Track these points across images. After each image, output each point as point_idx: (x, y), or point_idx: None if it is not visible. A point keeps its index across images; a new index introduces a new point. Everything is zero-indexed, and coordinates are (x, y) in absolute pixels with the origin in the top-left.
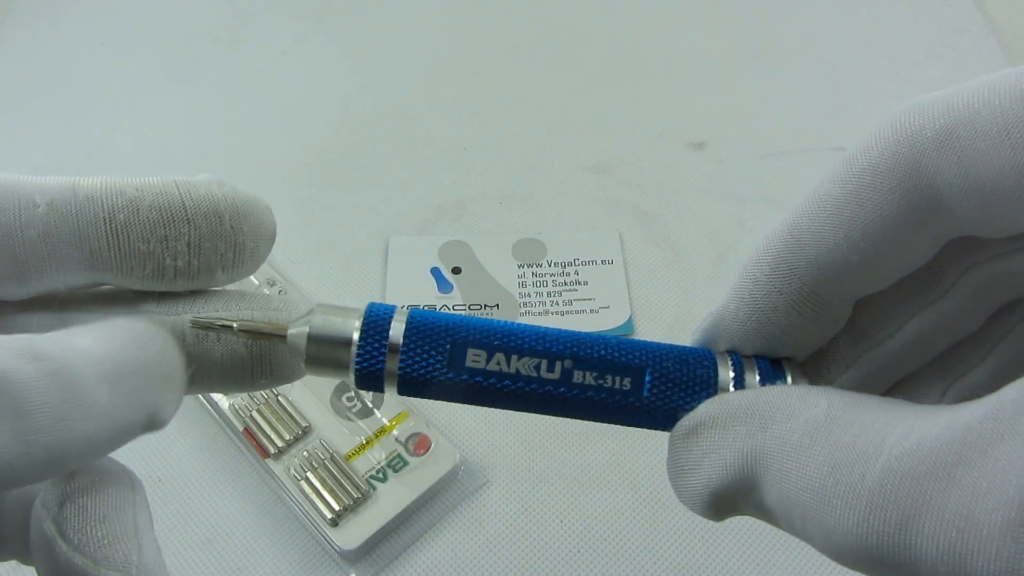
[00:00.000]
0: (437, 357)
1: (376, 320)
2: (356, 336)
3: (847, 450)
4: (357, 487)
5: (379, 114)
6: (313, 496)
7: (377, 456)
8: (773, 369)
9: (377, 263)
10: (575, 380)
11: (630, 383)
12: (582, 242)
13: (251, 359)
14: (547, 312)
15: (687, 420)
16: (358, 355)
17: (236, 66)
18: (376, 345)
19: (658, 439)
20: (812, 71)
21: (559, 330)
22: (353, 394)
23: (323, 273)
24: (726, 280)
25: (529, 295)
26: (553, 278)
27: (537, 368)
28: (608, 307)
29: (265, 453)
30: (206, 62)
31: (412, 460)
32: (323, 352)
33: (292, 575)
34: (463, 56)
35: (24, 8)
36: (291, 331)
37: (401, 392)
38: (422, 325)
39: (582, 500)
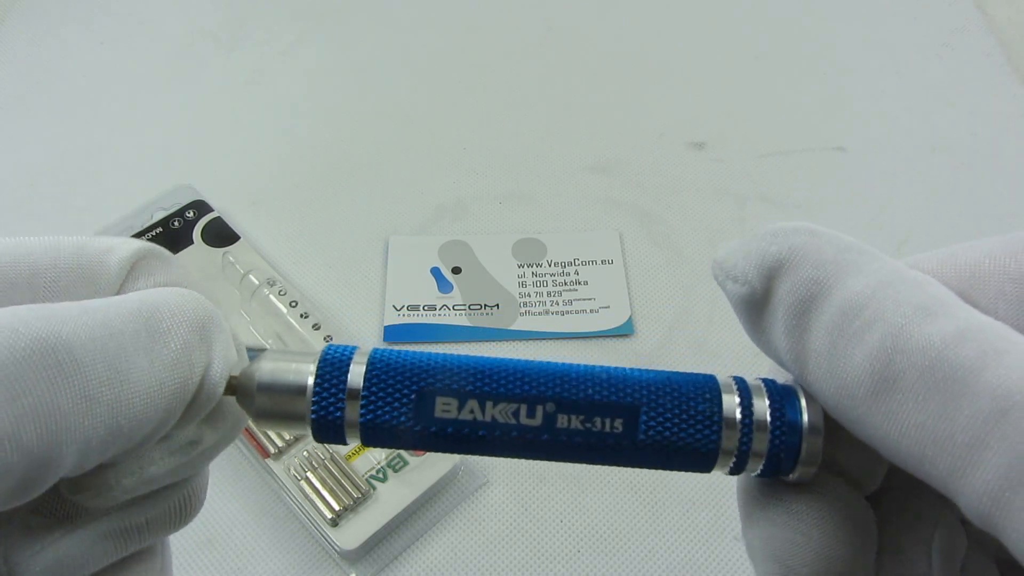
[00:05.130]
0: (400, 406)
1: (332, 363)
2: (311, 382)
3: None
4: (357, 487)
5: (379, 114)
6: (313, 496)
7: (377, 456)
8: (783, 396)
9: (377, 263)
10: (559, 425)
11: (622, 425)
12: (582, 242)
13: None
14: (547, 312)
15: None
16: (313, 403)
17: (235, 66)
18: (333, 391)
19: None
20: (812, 71)
21: (540, 365)
22: None
23: (323, 273)
24: None
25: (529, 295)
26: (553, 278)
27: (516, 414)
28: (608, 307)
29: (265, 453)
30: (206, 62)
31: (412, 460)
32: (275, 403)
33: (292, 575)
34: (463, 56)
35: (24, 8)
36: (237, 380)
37: (365, 443)
38: (384, 368)
39: (582, 500)
